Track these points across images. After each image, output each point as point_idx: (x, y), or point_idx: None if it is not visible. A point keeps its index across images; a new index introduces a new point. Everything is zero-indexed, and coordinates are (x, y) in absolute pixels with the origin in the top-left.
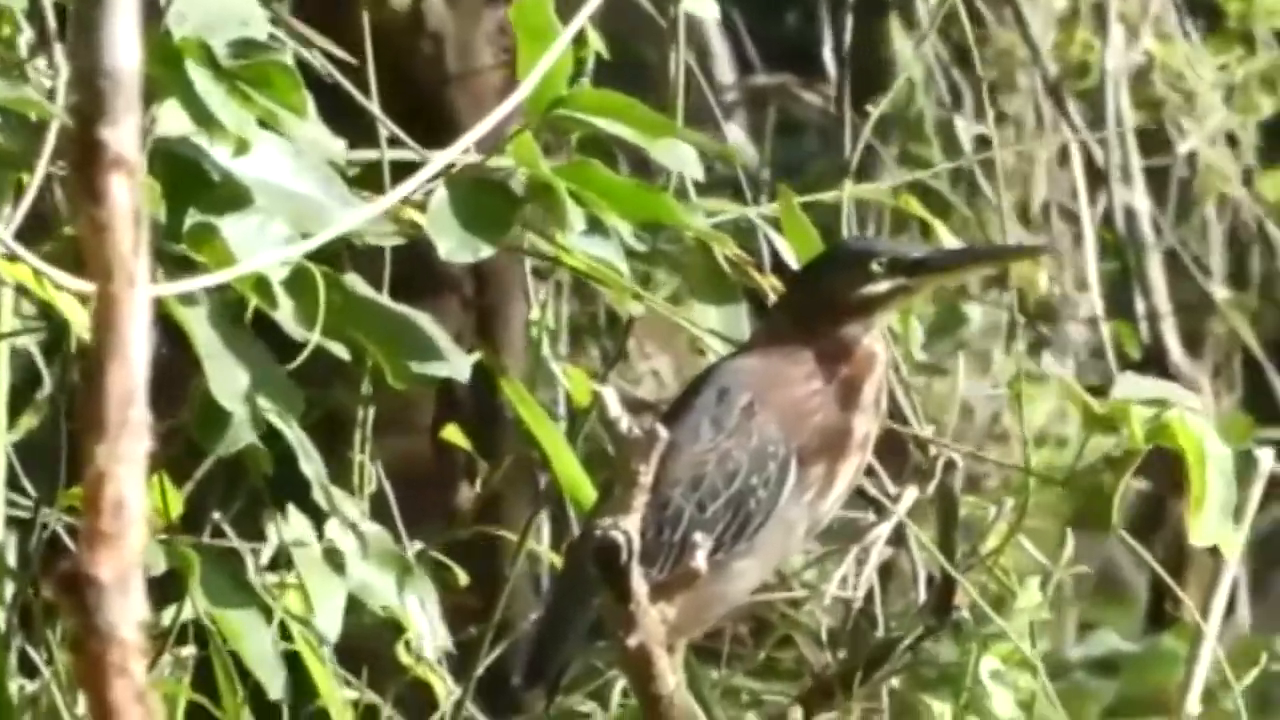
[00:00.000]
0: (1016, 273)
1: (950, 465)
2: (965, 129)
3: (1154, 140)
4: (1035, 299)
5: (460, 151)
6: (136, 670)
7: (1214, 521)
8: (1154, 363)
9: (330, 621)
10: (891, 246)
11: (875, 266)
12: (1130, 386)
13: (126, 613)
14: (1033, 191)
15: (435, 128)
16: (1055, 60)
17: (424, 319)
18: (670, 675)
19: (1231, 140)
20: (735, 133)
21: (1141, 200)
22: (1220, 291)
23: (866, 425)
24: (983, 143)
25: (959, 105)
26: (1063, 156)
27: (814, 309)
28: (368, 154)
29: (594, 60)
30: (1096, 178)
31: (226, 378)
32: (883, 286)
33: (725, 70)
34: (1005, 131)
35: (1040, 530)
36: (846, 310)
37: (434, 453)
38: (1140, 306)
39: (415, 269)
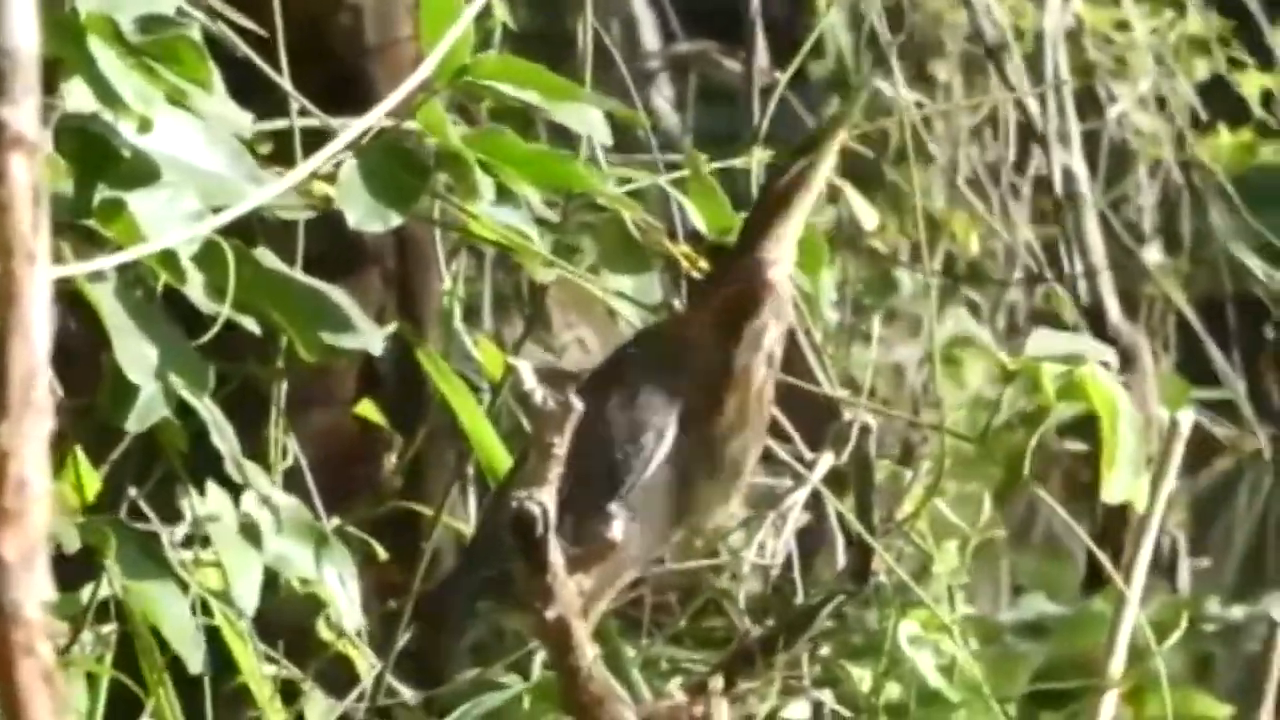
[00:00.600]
0: (948, 236)
1: (865, 429)
2: (895, 93)
3: (1085, 103)
4: (967, 261)
5: (370, 123)
6: (43, 650)
7: (1126, 478)
8: (1092, 325)
9: (247, 594)
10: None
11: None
12: (1043, 342)
13: (31, 592)
14: (964, 155)
15: (354, 101)
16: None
17: (336, 292)
18: (588, 646)
19: (1162, 103)
20: (659, 101)
21: (1078, 162)
22: (1153, 255)
23: (745, 358)
24: (915, 109)
25: (890, 71)
26: (994, 121)
27: (735, 249)
28: (278, 125)
29: (532, 38)
30: (1029, 140)
31: (134, 353)
32: (789, 174)
33: (650, 38)
34: (936, 97)
35: (973, 495)
36: (762, 224)
37: (359, 428)
38: (1078, 268)
39: (336, 244)
